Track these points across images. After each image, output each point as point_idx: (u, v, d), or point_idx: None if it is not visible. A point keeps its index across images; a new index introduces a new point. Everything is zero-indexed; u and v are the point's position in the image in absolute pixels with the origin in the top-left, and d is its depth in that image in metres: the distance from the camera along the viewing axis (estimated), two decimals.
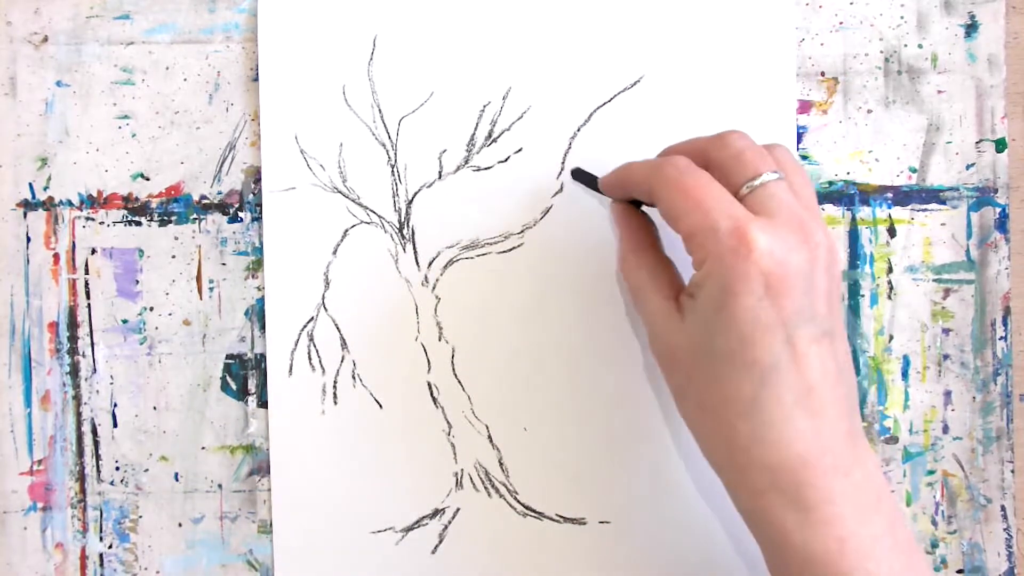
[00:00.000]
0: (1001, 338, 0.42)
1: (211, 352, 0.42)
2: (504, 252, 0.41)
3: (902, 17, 0.42)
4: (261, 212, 0.42)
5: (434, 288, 0.42)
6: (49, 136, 0.42)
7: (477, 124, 0.41)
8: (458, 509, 0.41)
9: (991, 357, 0.42)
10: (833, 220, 0.42)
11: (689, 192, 0.32)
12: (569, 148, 0.41)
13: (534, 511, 0.41)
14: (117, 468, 0.42)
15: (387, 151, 0.42)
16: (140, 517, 0.42)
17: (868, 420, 0.42)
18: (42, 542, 0.42)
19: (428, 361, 0.42)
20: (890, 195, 0.42)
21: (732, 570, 0.41)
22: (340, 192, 0.41)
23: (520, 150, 0.41)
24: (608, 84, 0.41)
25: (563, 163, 0.41)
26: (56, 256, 0.42)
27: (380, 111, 0.41)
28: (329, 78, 0.41)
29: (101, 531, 0.42)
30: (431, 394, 0.42)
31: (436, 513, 0.41)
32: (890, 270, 0.42)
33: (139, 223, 0.42)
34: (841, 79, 0.42)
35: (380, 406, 0.41)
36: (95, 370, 0.42)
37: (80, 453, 0.42)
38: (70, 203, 0.42)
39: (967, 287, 0.42)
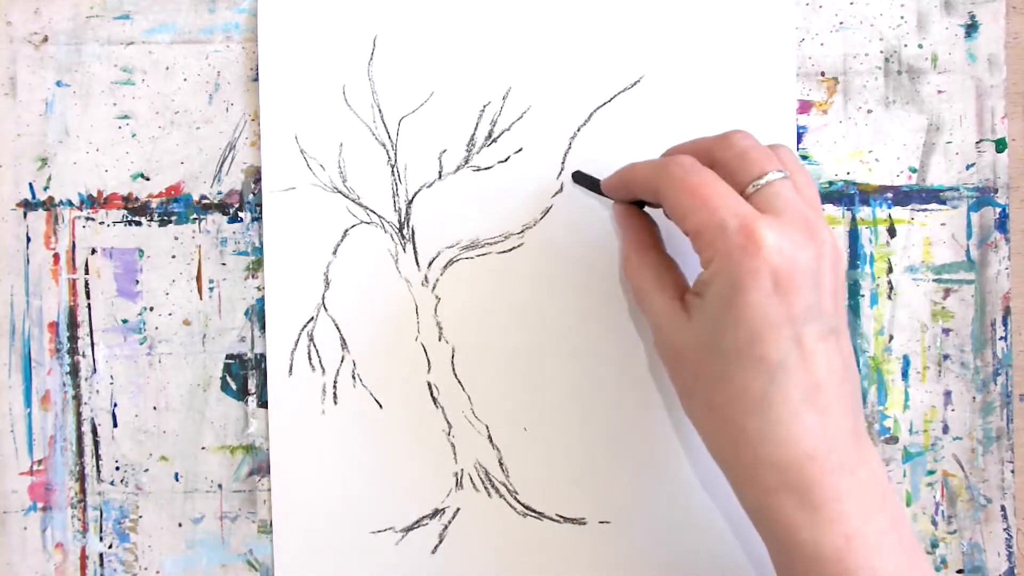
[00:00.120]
0: (1001, 338, 0.42)
1: (211, 352, 0.42)
2: (504, 252, 0.41)
3: (902, 17, 0.42)
4: (261, 212, 0.42)
5: (434, 288, 0.42)
6: (49, 136, 0.42)
7: (477, 124, 0.41)
8: (458, 509, 0.41)
9: (991, 357, 0.42)
10: (833, 220, 0.42)
11: (696, 191, 0.32)
12: (569, 148, 0.41)
13: (534, 511, 0.41)
14: (117, 468, 0.42)
15: (387, 151, 0.42)
16: (140, 517, 0.42)
17: (868, 420, 0.42)
18: (42, 542, 0.42)
19: (428, 361, 0.42)
20: (890, 195, 0.42)
21: (733, 570, 0.41)
22: (340, 192, 0.41)
23: (520, 150, 0.41)
24: (608, 84, 0.41)
25: (563, 163, 0.41)
26: (56, 256, 0.42)
27: (380, 111, 0.41)
28: (329, 78, 0.41)
29: (101, 531, 0.42)
30: (431, 394, 0.42)
31: (436, 513, 0.41)
32: (890, 270, 0.42)
33: (139, 223, 0.42)
34: (841, 79, 0.42)
35: (380, 406, 0.41)
36: (95, 370, 0.42)
37: (80, 453, 0.42)
38: (70, 203, 0.42)
39: (967, 287, 0.42)
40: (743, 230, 0.31)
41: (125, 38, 0.42)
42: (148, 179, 0.42)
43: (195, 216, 0.42)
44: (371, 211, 0.41)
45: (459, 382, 0.41)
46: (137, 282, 0.42)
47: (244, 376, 0.42)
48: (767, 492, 0.32)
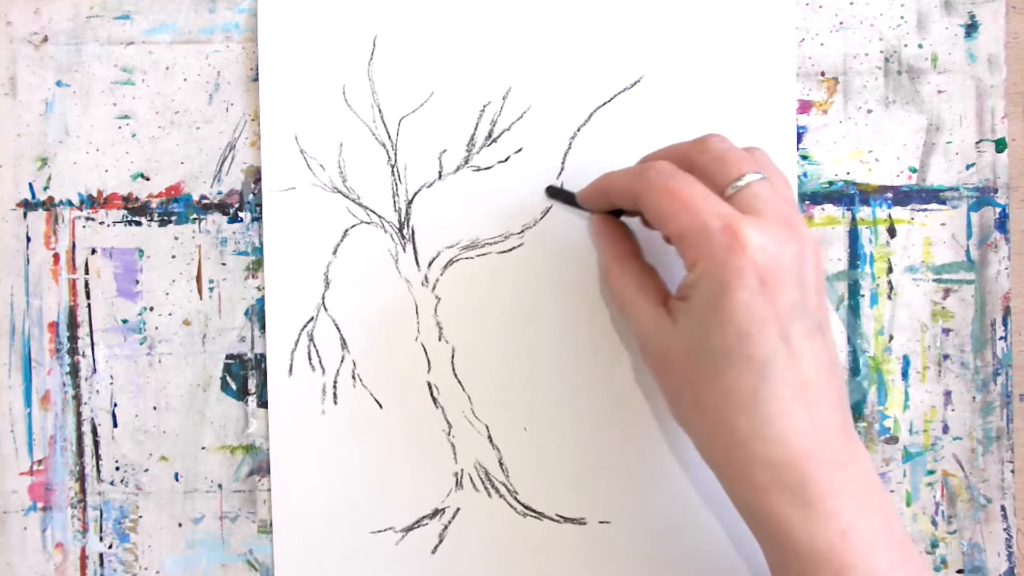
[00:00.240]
0: (1001, 338, 0.42)
1: (211, 352, 0.42)
2: (504, 252, 0.41)
3: (902, 17, 0.42)
4: (261, 212, 0.42)
5: (434, 288, 0.42)
6: (49, 136, 0.42)
7: (477, 124, 0.41)
8: (458, 509, 0.41)
9: (991, 357, 0.42)
10: (833, 220, 0.42)
11: (676, 195, 0.33)
12: (569, 148, 0.41)
13: (534, 511, 0.41)
14: (117, 468, 0.42)
15: (387, 151, 0.42)
16: (140, 517, 0.42)
17: (868, 420, 0.42)
18: (42, 542, 0.42)
19: (428, 361, 0.42)
20: (890, 195, 0.42)
21: (732, 570, 0.41)
22: (340, 192, 0.41)
23: (520, 150, 0.41)
24: (608, 84, 0.41)
25: (563, 163, 0.41)
26: (56, 256, 0.42)
27: (380, 111, 0.41)
28: (329, 78, 0.41)
29: (101, 531, 0.42)
30: (431, 394, 0.42)
31: (436, 513, 0.41)
32: (890, 270, 0.42)
33: (139, 223, 0.42)
34: (841, 79, 0.42)
35: (380, 406, 0.41)
36: (95, 370, 0.42)
37: (80, 453, 0.42)
38: (70, 203, 0.42)
39: (967, 287, 0.42)
40: (727, 230, 0.32)
41: (125, 38, 0.42)
42: (148, 179, 0.42)
43: (195, 216, 0.42)
44: (371, 211, 0.41)
45: (459, 382, 0.41)
46: (137, 282, 0.42)
47: (244, 376, 0.42)
48: (760, 490, 0.32)
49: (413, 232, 0.42)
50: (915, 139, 0.42)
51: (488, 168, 0.41)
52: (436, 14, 0.41)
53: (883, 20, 0.42)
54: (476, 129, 0.41)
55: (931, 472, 0.42)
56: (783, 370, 0.32)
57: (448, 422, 0.41)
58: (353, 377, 0.41)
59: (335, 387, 0.41)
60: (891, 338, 0.42)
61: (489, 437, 0.42)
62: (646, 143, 0.41)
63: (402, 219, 0.42)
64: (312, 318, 0.41)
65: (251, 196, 0.42)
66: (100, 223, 0.42)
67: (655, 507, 0.41)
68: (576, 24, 0.41)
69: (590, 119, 0.41)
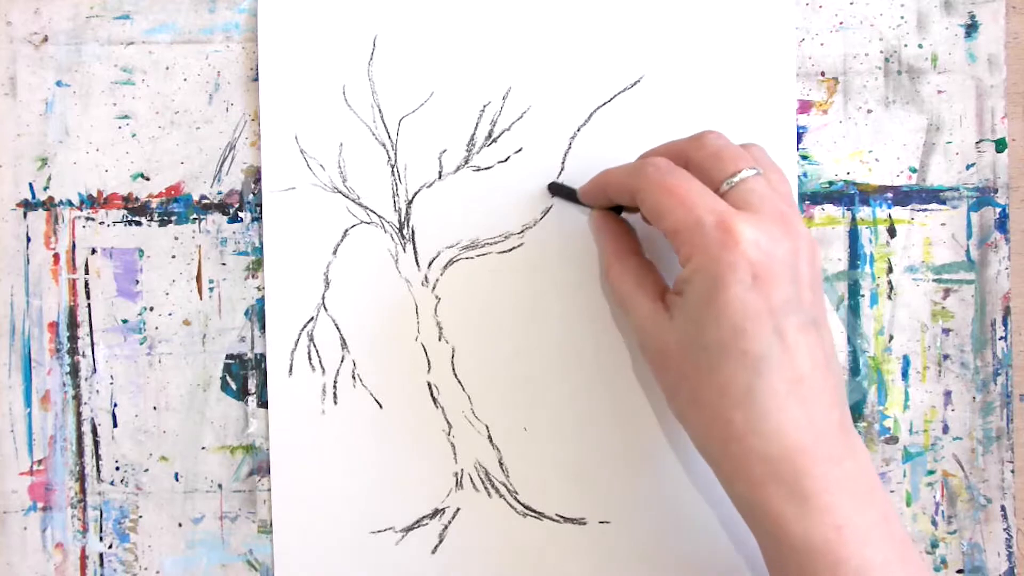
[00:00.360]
0: (1001, 338, 0.42)
1: (211, 352, 0.42)
2: (504, 252, 0.41)
3: (902, 17, 0.42)
4: (261, 212, 0.42)
5: (434, 288, 0.42)
6: (49, 136, 0.42)
7: (477, 124, 0.41)
8: (458, 509, 0.41)
9: (991, 357, 0.42)
10: (833, 220, 0.42)
11: (672, 190, 0.33)
12: (569, 148, 0.41)
13: (534, 511, 0.41)
14: (117, 468, 0.42)
15: (387, 151, 0.42)
16: (140, 517, 0.42)
17: (868, 420, 0.42)
18: (42, 542, 0.42)
19: (428, 361, 0.42)
20: (890, 195, 0.42)
21: (732, 570, 0.41)
22: (340, 192, 0.41)
23: (520, 150, 0.41)
24: (608, 84, 0.41)
25: (563, 163, 0.41)
26: (56, 256, 0.42)
27: (380, 111, 0.41)
28: (329, 78, 0.41)
29: (101, 531, 0.42)
30: (431, 394, 0.42)
31: (436, 513, 0.41)
32: (890, 270, 0.42)
33: (139, 223, 0.42)
34: (841, 79, 0.42)
35: (380, 406, 0.41)
36: (95, 370, 0.42)
37: (80, 453, 0.42)
38: (70, 203, 0.42)
39: (967, 287, 0.42)
40: (720, 226, 0.32)
41: (125, 38, 0.42)
42: (148, 179, 0.42)
43: (195, 216, 0.42)
44: (371, 211, 0.41)
45: (459, 382, 0.41)
46: (137, 282, 0.42)
47: (244, 376, 0.42)
48: (755, 485, 0.32)
49: (413, 232, 0.42)
50: (915, 139, 0.42)
51: (488, 168, 0.41)
52: (436, 14, 0.41)
53: (883, 20, 0.42)
54: (476, 129, 0.41)
55: (931, 472, 0.42)
56: (777, 365, 0.32)
57: (448, 422, 0.41)
58: (353, 377, 0.41)
59: (335, 387, 0.41)
60: (891, 338, 0.42)
61: (489, 437, 0.42)
62: (646, 143, 0.41)
63: (402, 219, 0.42)
64: (312, 318, 0.41)
65: (251, 196, 0.42)
66: (100, 223, 0.42)
67: (655, 507, 0.41)
68: (576, 24, 0.41)
69: (590, 119, 0.41)
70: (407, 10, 0.41)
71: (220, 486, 0.42)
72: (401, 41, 0.41)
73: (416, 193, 0.41)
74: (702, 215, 0.32)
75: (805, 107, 0.42)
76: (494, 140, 0.41)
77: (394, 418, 0.41)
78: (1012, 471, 0.42)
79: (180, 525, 0.42)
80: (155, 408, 0.42)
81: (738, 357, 0.32)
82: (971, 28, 0.42)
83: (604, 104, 0.41)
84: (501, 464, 0.41)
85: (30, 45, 0.42)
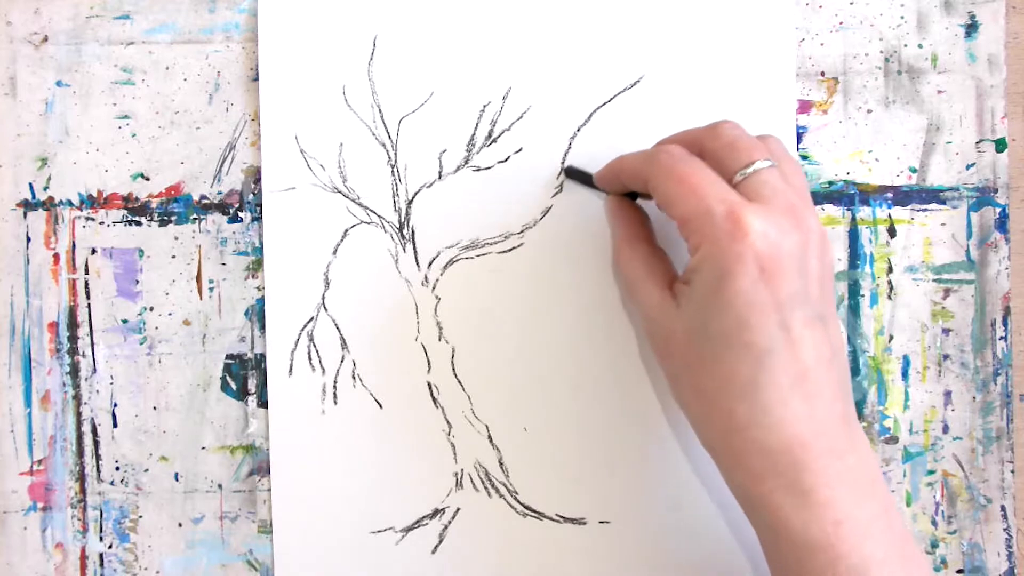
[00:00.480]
0: (1001, 338, 0.42)
1: (211, 352, 0.42)
2: (504, 252, 0.41)
3: (902, 17, 0.42)
4: (261, 212, 0.42)
5: (434, 288, 0.42)
6: (49, 136, 0.42)
7: (477, 124, 0.41)
8: (458, 509, 0.41)
9: (991, 357, 0.42)
10: (833, 220, 0.42)
11: (684, 179, 0.33)
12: (569, 148, 0.41)
13: (534, 511, 0.41)
14: (117, 468, 0.42)
15: (387, 151, 0.42)
16: (140, 517, 0.42)
17: (868, 420, 0.42)
18: (42, 542, 0.42)
19: (428, 361, 0.42)
20: (890, 195, 0.42)
21: (733, 570, 0.41)
22: (340, 192, 0.41)
23: (520, 150, 0.41)
24: (608, 84, 0.41)
25: (563, 163, 0.41)
26: (56, 256, 0.42)
27: (380, 111, 0.41)
28: (329, 78, 0.41)
29: (101, 531, 0.42)
30: (431, 394, 0.42)
31: (436, 513, 0.41)
32: (890, 270, 0.42)
33: (139, 223, 0.42)
34: (841, 79, 0.42)
35: (380, 406, 0.41)
36: (95, 370, 0.42)
37: (80, 453, 0.42)
38: (70, 203, 0.42)
39: (967, 287, 0.42)
40: (729, 216, 0.32)
41: (125, 38, 0.42)
42: (148, 179, 0.42)
43: (195, 216, 0.42)
44: (371, 211, 0.41)
45: (459, 382, 0.41)
46: (137, 282, 0.42)
47: (244, 376, 0.42)
48: (756, 478, 0.32)
49: (413, 232, 0.42)
50: (915, 139, 0.42)
51: (488, 168, 0.41)
52: (436, 14, 0.41)
53: (883, 20, 0.42)
54: (476, 129, 0.41)
55: (931, 472, 0.42)
56: (781, 359, 0.32)
57: (448, 422, 0.41)
58: (353, 377, 0.41)
59: (335, 387, 0.41)
60: (891, 338, 0.42)
61: (489, 437, 0.42)
62: (646, 143, 0.41)
63: (402, 219, 0.42)
64: (312, 318, 0.41)
65: (251, 196, 0.42)
66: (100, 223, 0.42)
67: (655, 507, 0.41)
68: (576, 24, 0.41)
69: (590, 119, 0.41)
70: (407, 10, 0.41)
71: (220, 486, 0.42)
72: (401, 41, 0.41)
73: (416, 193, 0.41)
74: (712, 205, 0.32)
75: (805, 107, 0.42)
76: (494, 140, 0.41)
77: (394, 418, 0.41)
78: (1012, 471, 0.42)
79: (180, 525, 0.42)
80: (155, 408, 0.42)
81: (742, 349, 0.32)
82: (971, 28, 0.42)
83: (604, 104, 0.41)
84: (501, 464, 0.41)
85: (30, 45, 0.42)
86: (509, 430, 0.41)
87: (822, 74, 0.42)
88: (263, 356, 0.42)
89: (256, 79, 0.42)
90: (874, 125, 0.42)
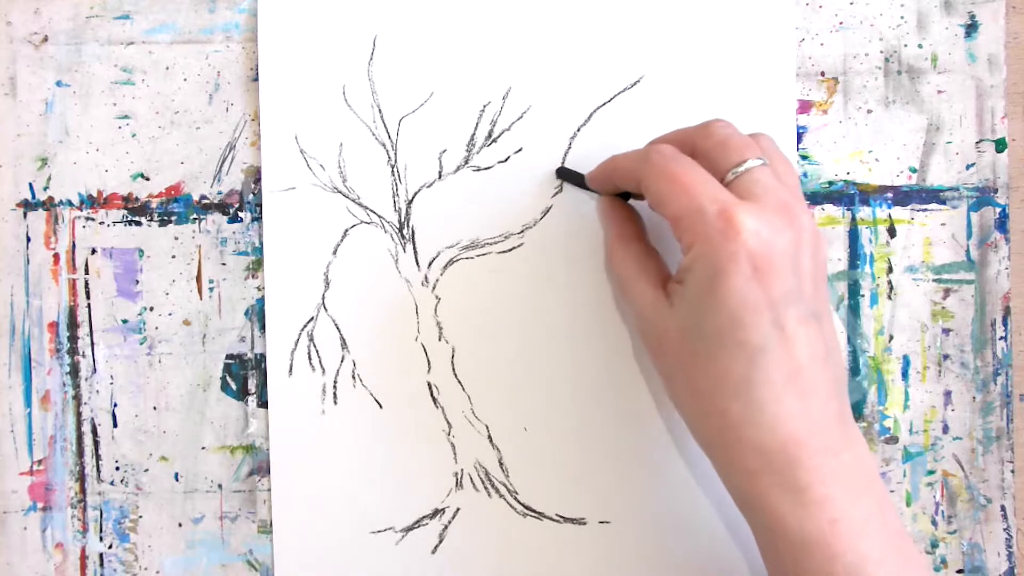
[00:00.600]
0: (1001, 338, 0.42)
1: (211, 352, 0.42)
2: (504, 252, 0.41)
3: (902, 17, 0.42)
4: (261, 212, 0.42)
5: (434, 288, 0.42)
6: (49, 136, 0.42)
7: (477, 124, 0.41)
8: (458, 509, 0.41)
9: (991, 357, 0.42)
10: (833, 220, 0.42)
11: (676, 178, 0.33)
12: (569, 148, 0.41)
13: (534, 511, 0.41)
14: (117, 468, 0.42)
15: (387, 151, 0.42)
16: (140, 517, 0.42)
17: (868, 420, 0.42)
18: (42, 542, 0.42)
19: (428, 361, 0.42)
20: (890, 195, 0.42)
21: (733, 570, 0.41)
22: (340, 192, 0.41)
23: (520, 150, 0.41)
24: (608, 84, 0.41)
25: (563, 163, 0.41)
26: (56, 256, 0.42)
27: (380, 111, 0.41)
28: (329, 78, 0.41)
29: (101, 531, 0.42)
30: (431, 394, 0.42)
31: (436, 513, 0.41)
32: (890, 270, 0.42)
33: (139, 223, 0.42)
34: (841, 79, 0.42)
35: (380, 406, 0.41)
36: (95, 370, 0.42)
37: (80, 453, 0.42)
38: (70, 203, 0.42)
39: (967, 287, 0.42)
40: (722, 215, 0.32)
41: (125, 38, 0.42)
42: (148, 179, 0.42)
43: (195, 216, 0.42)
44: (371, 211, 0.41)
45: (459, 382, 0.41)
46: (137, 282, 0.42)
47: (244, 376, 0.42)
48: (751, 476, 0.32)
49: (413, 232, 0.42)
50: (915, 139, 0.42)
51: (488, 168, 0.41)
52: (436, 14, 0.41)
53: (883, 20, 0.42)
54: (476, 129, 0.41)
55: (931, 472, 0.42)
56: (775, 356, 0.32)
57: (448, 422, 0.41)
58: (353, 377, 0.41)
59: (335, 387, 0.41)
60: (891, 338, 0.42)
61: (489, 437, 0.42)
62: (646, 143, 0.41)
63: (402, 219, 0.42)
64: (312, 318, 0.41)
65: (251, 196, 0.42)
66: (100, 223, 0.42)
67: (655, 507, 0.41)
68: (576, 24, 0.41)
69: (590, 119, 0.41)
70: (407, 10, 0.41)
71: (220, 486, 0.42)
72: (401, 41, 0.41)
73: (416, 193, 0.41)
74: (704, 204, 0.32)
75: (805, 107, 0.42)
76: (494, 140, 0.41)
77: (394, 418, 0.41)
78: (1012, 471, 0.42)
79: (180, 525, 0.42)
80: (155, 408, 0.42)
81: (736, 347, 0.32)
82: (971, 28, 0.42)
83: (604, 104, 0.41)
84: (501, 464, 0.41)
85: (30, 45, 0.42)
86: (509, 430, 0.41)
87: (822, 74, 0.42)
88: (263, 356, 0.42)
89: (256, 79, 0.42)
90: (874, 125, 0.42)
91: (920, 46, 0.42)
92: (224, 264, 0.42)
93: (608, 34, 0.41)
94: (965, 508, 0.42)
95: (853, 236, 0.42)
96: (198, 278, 0.42)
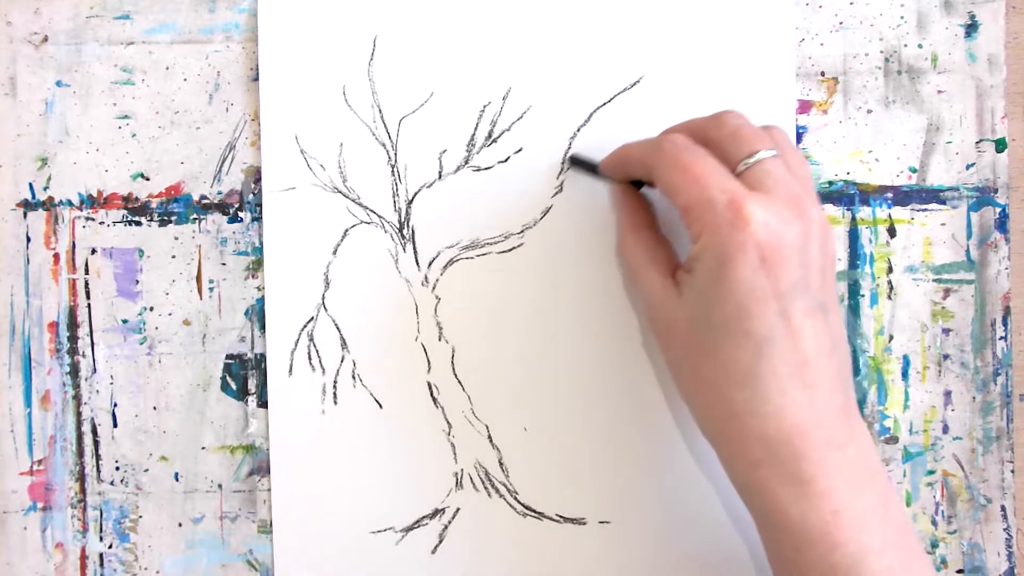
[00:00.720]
0: (1001, 338, 0.42)
1: (211, 352, 0.42)
2: (504, 252, 0.41)
3: (902, 17, 0.42)
4: (261, 212, 0.42)
5: (434, 288, 0.42)
6: (49, 136, 0.42)
7: (477, 124, 0.41)
8: (458, 509, 0.41)
9: (991, 357, 0.42)
10: (833, 220, 0.42)
11: (687, 168, 0.33)
12: (569, 148, 0.41)
13: (534, 511, 0.41)
14: (117, 468, 0.42)
15: (387, 151, 0.42)
16: (140, 517, 0.42)
17: (868, 420, 0.42)
18: (42, 542, 0.42)
19: (428, 361, 0.42)
20: (890, 195, 0.42)
21: (733, 570, 0.41)
22: (340, 192, 0.41)
23: (520, 150, 0.41)
24: (608, 84, 0.41)
25: (563, 163, 0.41)
26: (56, 256, 0.42)
27: (380, 111, 0.41)
28: (329, 78, 0.41)
29: (101, 531, 0.42)
30: (431, 394, 0.42)
31: (436, 513, 0.41)
32: (890, 270, 0.42)
33: (139, 223, 0.42)
34: (841, 79, 0.42)
35: (380, 406, 0.41)
36: (95, 370, 0.42)
37: (80, 453, 0.42)
38: (70, 203, 0.42)
39: (967, 287, 0.42)
40: (731, 205, 0.32)
41: (125, 38, 0.42)
42: (148, 179, 0.42)
43: (195, 216, 0.42)
44: (371, 211, 0.41)
45: (459, 382, 0.41)
46: (137, 282, 0.42)
47: (244, 376, 0.42)
48: (754, 466, 0.32)
49: (413, 232, 0.42)
50: (915, 139, 0.42)
51: (488, 168, 0.41)
52: (436, 14, 0.41)
53: (883, 20, 0.42)
54: (476, 129, 0.41)
55: (931, 472, 0.42)
56: (781, 348, 0.32)
57: (448, 422, 0.41)
58: (353, 377, 0.41)
59: (335, 387, 0.41)
60: (891, 338, 0.42)
61: (489, 437, 0.42)
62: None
63: (402, 219, 0.42)
64: (312, 318, 0.41)
65: (251, 196, 0.42)
66: (100, 223, 0.42)
67: (655, 507, 0.41)
68: (576, 24, 0.41)
69: (590, 119, 0.41)
70: (407, 10, 0.41)
71: (220, 486, 0.42)
72: (401, 41, 0.41)
73: (416, 193, 0.41)
74: (714, 194, 0.32)
75: (805, 107, 0.42)
76: (494, 140, 0.41)
77: (394, 418, 0.41)
78: (1012, 471, 0.42)
79: (180, 525, 0.42)
80: (155, 408, 0.42)
81: (742, 337, 0.32)
82: (971, 28, 0.42)
83: (604, 104, 0.41)
84: (501, 464, 0.41)
85: (30, 45, 0.42)
86: (509, 430, 0.41)
87: (822, 74, 0.42)
88: (263, 356, 0.42)
89: (256, 79, 0.42)
90: (874, 125, 0.42)
91: (920, 46, 0.42)
92: (224, 264, 0.42)
93: (608, 34, 0.41)
94: (965, 508, 0.42)
95: (853, 236, 0.42)
96: (198, 278, 0.42)
